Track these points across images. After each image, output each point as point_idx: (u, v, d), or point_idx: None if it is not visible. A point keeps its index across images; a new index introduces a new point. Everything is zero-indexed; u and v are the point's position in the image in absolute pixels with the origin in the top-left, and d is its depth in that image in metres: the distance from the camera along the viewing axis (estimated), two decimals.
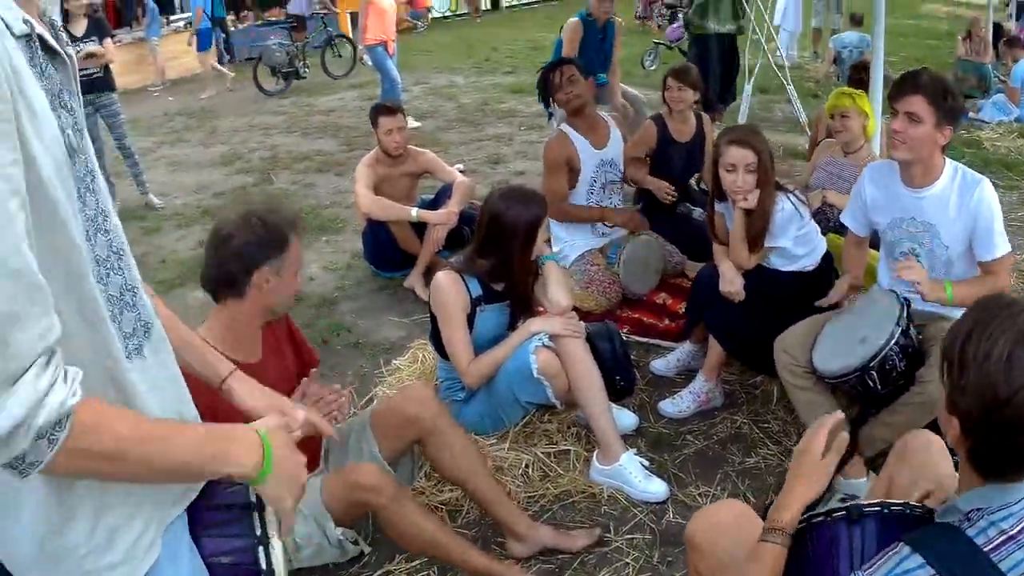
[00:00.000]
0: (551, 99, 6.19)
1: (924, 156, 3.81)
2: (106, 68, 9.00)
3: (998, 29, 15.39)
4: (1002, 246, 3.83)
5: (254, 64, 17.50)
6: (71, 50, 1.58)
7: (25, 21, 1.40)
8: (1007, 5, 21.94)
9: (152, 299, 1.85)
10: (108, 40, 9.06)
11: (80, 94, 1.60)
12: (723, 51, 9.19)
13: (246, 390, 2.29)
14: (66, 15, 8.79)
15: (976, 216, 3.81)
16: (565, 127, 6.09)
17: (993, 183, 7.92)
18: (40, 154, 1.36)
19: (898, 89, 3.77)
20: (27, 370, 1.27)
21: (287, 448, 1.83)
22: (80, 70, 8.32)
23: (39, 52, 1.44)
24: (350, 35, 17.55)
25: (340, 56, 18.79)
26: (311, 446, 3.43)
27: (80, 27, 8.79)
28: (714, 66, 8.56)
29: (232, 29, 24.10)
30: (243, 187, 10.07)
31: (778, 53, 15.66)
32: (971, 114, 11.64)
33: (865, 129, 6.06)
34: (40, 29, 1.45)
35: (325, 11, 21.33)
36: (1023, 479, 1.87)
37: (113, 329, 1.57)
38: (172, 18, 23.45)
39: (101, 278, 1.55)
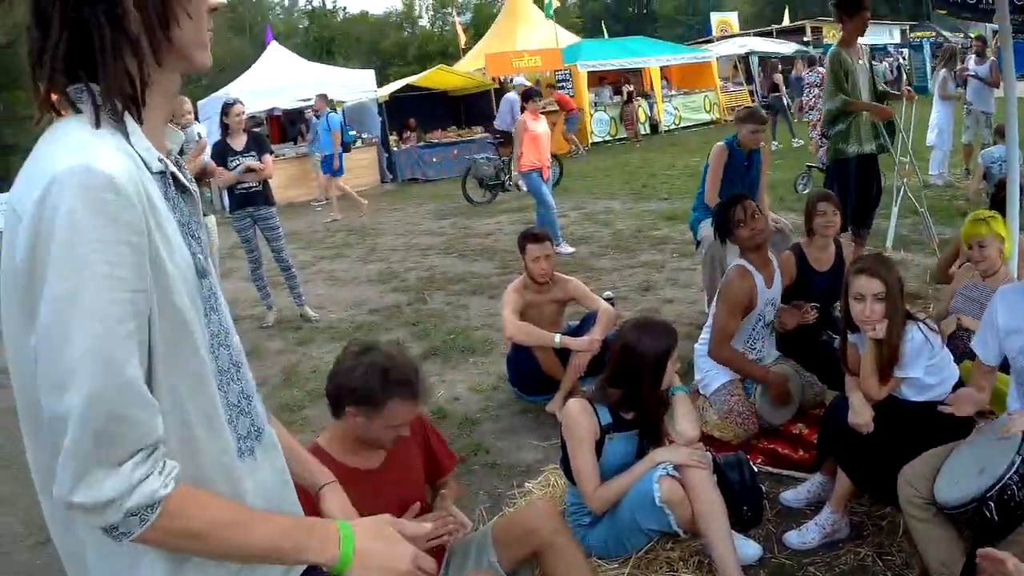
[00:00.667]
0: (731, 234, 6.09)
1: None
2: (264, 182, 9.36)
3: None
4: None
5: (463, 177, 19.00)
6: (195, 185, 1.88)
7: (160, 159, 1.70)
8: None
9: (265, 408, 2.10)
10: (267, 156, 9.44)
11: (203, 224, 1.90)
12: (863, 173, 9.03)
13: (335, 504, 2.47)
14: (225, 129, 9.26)
15: None
16: (743, 262, 6.02)
17: None
18: (174, 277, 1.64)
19: None
20: (127, 461, 1.54)
21: (381, 540, 1.98)
22: (239, 183, 8.82)
23: (171, 187, 1.75)
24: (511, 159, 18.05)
25: None
26: (434, 554, 3.58)
27: (240, 141, 9.22)
28: (854, 189, 8.51)
29: (395, 149, 24.74)
30: (397, 305, 10.37)
31: (929, 173, 15.62)
32: None
33: (1001, 252, 5.98)
34: (172, 167, 1.76)
35: None
36: None
37: (229, 431, 1.84)
38: None
39: (222, 386, 1.83)
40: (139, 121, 1.68)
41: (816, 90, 21.83)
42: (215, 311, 1.82)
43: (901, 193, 10.20)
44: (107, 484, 1.52)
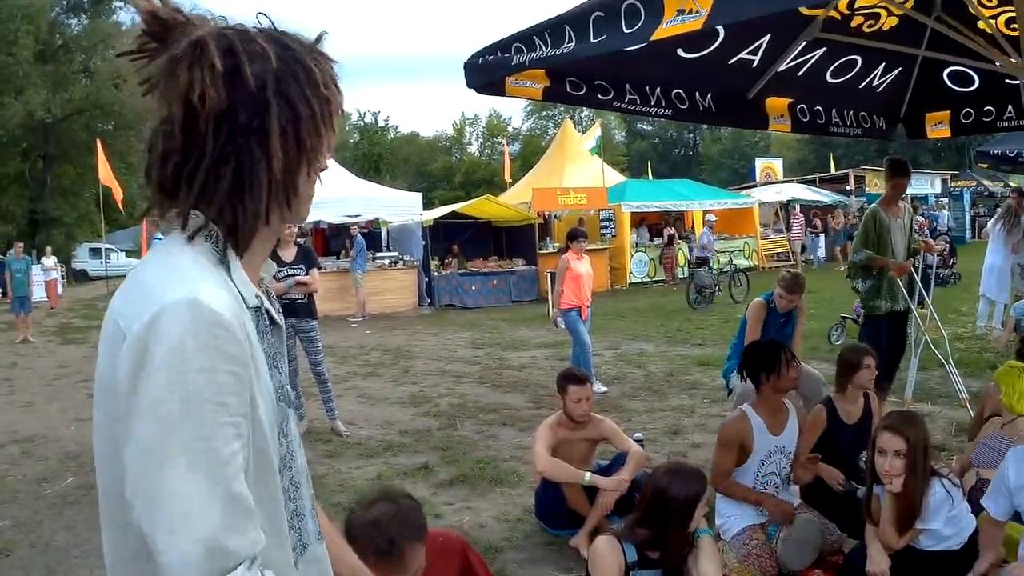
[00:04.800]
0: (767, 377, 6.12)
1: None
2: (310, 296, 9.54)
3: None
4: None
5: (687, 283, 24.24)
6: (282, 318, 2.02)
7: (257, 296, 1.84)
8: None
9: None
10: (315, 270, 9.64)
11: (286, 355, 2.03)
12: (895, 330, 9.25)
13: None
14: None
15: None
16: (747, 408, 6.18)
17: None
18: (262, 407, 1.76)
19: None
20: (237, 567, 1.61)
21: None
22: (284, 294, 8.91)
23: (264, 320, 1.88)
24: (549, 295, 18.22)
25: (740, 286, 24.15)
26: None
27: (289, 254, 9.40)
28: (885, 346, 8.62)
29: (435, 274, 24.99)
30: (428, 429, 10.42)
31: (978, 324, 15.59)
32: None
33: (1006, 403, 6.08)
34: (267, 304, 1.91)
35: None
36: None
37: (288, 546, 1.93)
38: (378, 255, 24.58)
39: (284, 504, 1.93)
40: (241, 256, 1.83)
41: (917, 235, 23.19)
42: (284, 435, 1.93)
43: (920, 345, 10.29)
44: None
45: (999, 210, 16.88)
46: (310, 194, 1.92)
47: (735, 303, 21.63)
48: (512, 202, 29.43)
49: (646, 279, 30.45)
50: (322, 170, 1.92)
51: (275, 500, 1.85)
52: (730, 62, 6.68)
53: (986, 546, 4.48)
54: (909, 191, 9.18)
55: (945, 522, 4.74)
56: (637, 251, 30.43)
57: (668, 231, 31.08)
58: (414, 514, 3.61)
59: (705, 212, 30.42)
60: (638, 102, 6.57)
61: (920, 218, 29.98)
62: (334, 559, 2.22)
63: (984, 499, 4.50)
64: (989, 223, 17.12)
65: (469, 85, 5.84)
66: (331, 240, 27.15)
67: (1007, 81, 7.22)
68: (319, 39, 1.87)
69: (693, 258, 30.32)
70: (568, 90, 6.25)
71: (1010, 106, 7.60)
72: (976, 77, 7.54)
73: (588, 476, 6.61)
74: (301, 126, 1.78)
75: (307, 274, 9.54)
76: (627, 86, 6.44)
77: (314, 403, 10.40)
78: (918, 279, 9.93)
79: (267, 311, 1.90)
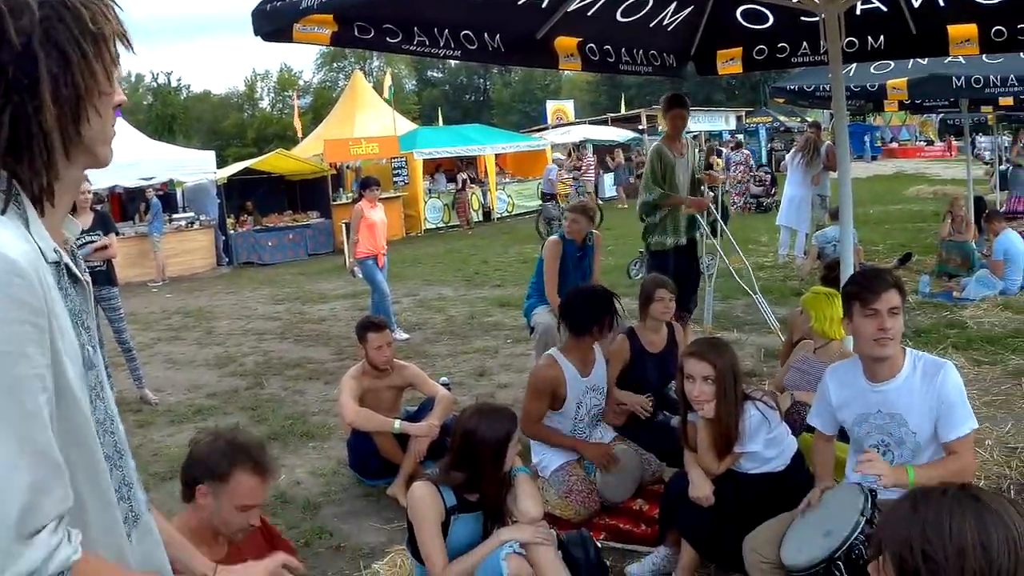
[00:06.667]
0: (597, 330, 6.11)
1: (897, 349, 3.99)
2: (108, 262, 9.17)
3: (980, 204, 15.73)
4: (965, 426, 3.90)
5: (536, 217, 26.20)
6: (88, 276, 1.90)
7: (55, 251, 1.73)
8: (990, 176, 22.38)
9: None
10: (113, 235, 9.25)
11: (95, 315, 1.90)
12: (682, 262, 9.39)
13: None
14: (72, 206, 9.03)
15: (941, 400, 3.90)
16: (556, 352, 6.19)
17: (976, 360, 8.17)
18: (67, 364, 1.66)
19: (872, 288, 3.90)
20: (43, 528, 1.53)
21: None
22: (84, 262, 8.63)
23: (65, 277, 1.76)
24: (345, 246, 18.00)
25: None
26: None
27: (86, 220, 8.97)
28: (673, 278, 8.76)
29: (232, 232, 24.48)
30: (235, 390, 10.21)
31: (779, 253, 16.13)
32: (955, 295, 11.95)
33: (817, 329, 6.30)
34: (67, 259, 1.78)
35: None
36: None
37: (119, 514, 1.85)
38: (175, 216, 23.97)
39: (111, 473, 1.84)
40: (42, 213, 1.73)
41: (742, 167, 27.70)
42: (101, 399, 1.84)
43: (714, 275, 10.57)
44: (29, 553, 1.52)
45: (796, 143, 17.44)
46: (106, 137, 1.82)
47: (542, 238, 21.52)
48: (305, 155, 28.91)
49: (441, 225, 30.34)
50: (118, 105, 1.83)
51: (93, 458, 1.76)
52: (519, 3, 6.61)
53: (820, 464, 4.53)
54: (704, 128, 9.31)
55: (765, 444, 4.81)
56: (431, 198, 30.26)
57: (461, 176, 31.05)
58: (252, 444, 3.57)
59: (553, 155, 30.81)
60: (427, 44, 6.43)
61: (746, 151, 31.67)
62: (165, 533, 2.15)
63: (810, 418, 4.57)
64: (787, 156, 17.66)
65: (256, 32, 5.62)
66: (127, 205, 26.12)
67: (803, 19, 7.34)
68: None
69: (487, 202, 30.71)
70: (356, 34, 6.07)
71: (805, 43, 7.70)
72: (770, 15, 7.62)
73: (398, 424, 6.59)
74: (74, 71, 1.69)
75: (104, 239, 9.14)
76: (415, 28, 6.30)
77: (121, 373, 10.02)
78: (717, 212, 10.16)
79: (67, 267, 1.79)
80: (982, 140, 35.75)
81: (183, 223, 24.14)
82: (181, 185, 25.55)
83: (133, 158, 21.98)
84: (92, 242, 8.95)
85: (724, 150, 32.68)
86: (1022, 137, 20.23)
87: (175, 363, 11.99)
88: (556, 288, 8.34)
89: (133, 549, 1.92)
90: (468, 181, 31.09)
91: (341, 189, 28.47)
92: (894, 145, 52.15)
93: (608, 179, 37.20)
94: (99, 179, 18.36)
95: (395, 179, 28.53)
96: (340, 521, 6.31)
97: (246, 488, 3.44)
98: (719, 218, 10.35)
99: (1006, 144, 21.09)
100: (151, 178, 22.70)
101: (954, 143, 47.95)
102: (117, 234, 9.89)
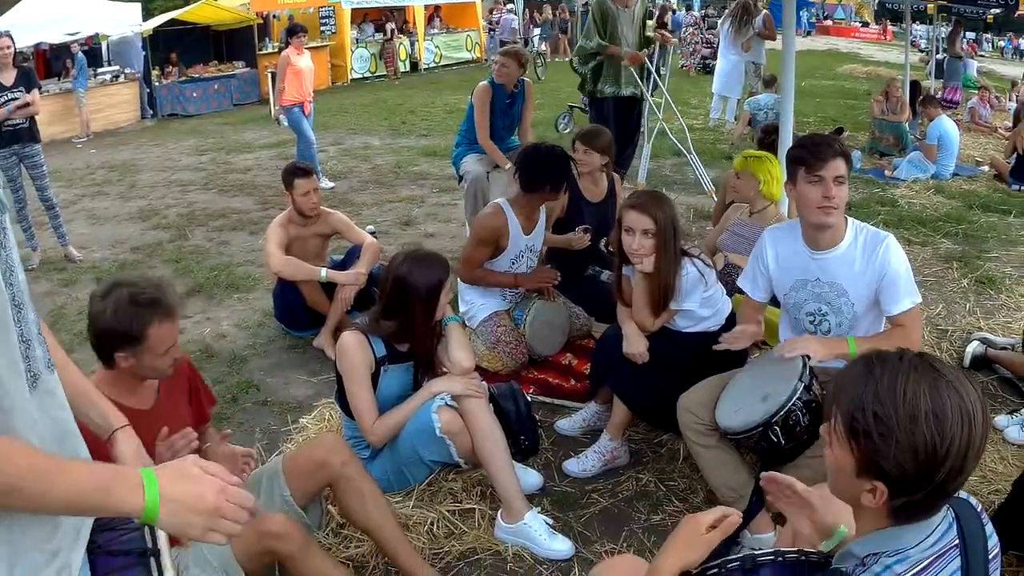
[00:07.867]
0: (550, 191, 5.84)
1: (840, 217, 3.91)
2: (32, 119, 8.89)
3: (915, 88, 15.87)
4: (909, 300, 3.86)
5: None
6: None
7: None
8: (926, 64, 22.64)
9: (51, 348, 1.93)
10: (35, 91, 8.96)
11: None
12: (621, 115, 9.26)
13: (129, 449, 2.31)
14: None
15: (882, 272, 3.85)
16: (502, 202, 5.98)
17: (907, 239, 8.21)
18: None
19: (819, 155, 3.79)
20: None
21: (187, 480, 1.84)
22: (6, 121, 8.29)
23: None
24: (270, 96, 17.58)
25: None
26: None
27: (9, 77, 8.71)
28: (611, 128, 8.54)
29: (156, 84, 23.95)
30: (159, 243, 9.97)
31: (711, 117, 16.17)
32: (887, 173, 12.10)
33: (766, 192, 6.16)
34: None
35: None
36: (932, 515, 1.91)
37: (22, 369, 1.68)
38: (100, 71, 23.37)
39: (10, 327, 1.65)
40: None
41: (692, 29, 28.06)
42: (3, 247, 1.68)
43: (654, 133, 10.47)
44: None
45: (726, 11, 17.25)
46: None
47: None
48: (231, 4, 28.14)
49: (367, 75, 29.76)
50: None
51: (6, 319, 1.61)
52: None
53: (746, 321, 4.45)
54: None
55: (701, 303, 4.75)
56: (358, 47, 29.64)
57: (389, 26, 30.44)
58: (153, 291, 3.34)
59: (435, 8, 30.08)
60: None
61: (696, 13, 31.92)
62: (76, 391, 1.96)
63: (740, 281, 4.46)
64: (718, 23, 17.53)
65: None
66: (53, 62, 25.36)
67: None
68: None
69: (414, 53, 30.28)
70: None
71: None
72: None
73: (324, 272, 6.47)
74: None
75: (28, 95, 8.83)
76: None
77: (45, 232, 9.74)
78: (653, 68, 9.99)
79: None
80: (918, 28, 35.91)
81: (108, 77, 23.47)
82: (106, 39, 24.78)
83: (58, 15, 21.38)
84: (15, 99, 8.64)
85: (679, 12, 33.04)
86: (960, 28, 20.38)
87: (99, 219, 11.64)
88: (488, 133, 8.23)
89: (36, 418, 1.74)
90: (396, 31, 30.50)
91: (268, 39, 27.82)
92: (828, 23, 51.80)
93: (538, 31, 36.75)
94: (24, 37, 17.80)
95: (322, 28, 27.97)
96: (267, 375, 6.22)
97: (163, 336, 3.29)
98: (656, 75, 10.17)
99: (942, 35, 21.19)
100: (76, 33, 22.02)
101: (890, 28, 48.18)
102: (40, 91, 9.57)
